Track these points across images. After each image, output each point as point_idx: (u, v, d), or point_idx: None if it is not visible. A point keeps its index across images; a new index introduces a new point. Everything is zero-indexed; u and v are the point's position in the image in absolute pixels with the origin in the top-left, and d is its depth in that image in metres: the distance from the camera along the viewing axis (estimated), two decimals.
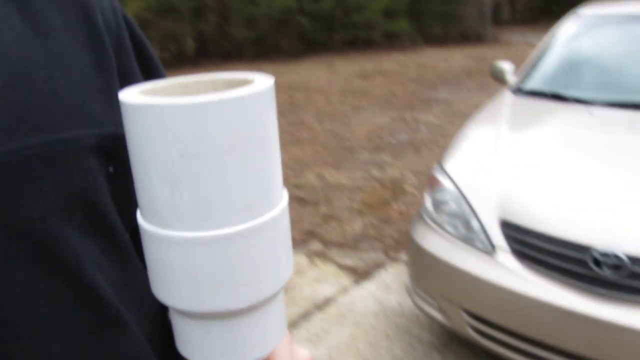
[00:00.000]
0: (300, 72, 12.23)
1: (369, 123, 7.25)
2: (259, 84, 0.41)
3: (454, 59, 12.40)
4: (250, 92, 0.38)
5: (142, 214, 0.42)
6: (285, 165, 5.67)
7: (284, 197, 0.45)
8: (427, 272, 2.50)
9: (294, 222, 4.22)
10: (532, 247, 2.14)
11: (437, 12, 15.30)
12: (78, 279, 0.47)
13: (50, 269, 0.45)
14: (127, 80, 0.59)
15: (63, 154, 0.46)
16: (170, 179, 0.37)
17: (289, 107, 8.70)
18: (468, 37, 14.97)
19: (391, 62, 12.41)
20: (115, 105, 0.53)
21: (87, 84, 0.53)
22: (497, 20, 18.80)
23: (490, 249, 2.24)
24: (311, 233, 4.01)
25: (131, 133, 0.39)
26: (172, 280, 0.42)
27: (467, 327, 2.33)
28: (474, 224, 2.33)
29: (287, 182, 5.14)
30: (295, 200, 4.68)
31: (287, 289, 3.21)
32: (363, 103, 8.57)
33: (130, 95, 0.39)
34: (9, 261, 0.43)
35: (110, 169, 0.53)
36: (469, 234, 2.34)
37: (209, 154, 0.36)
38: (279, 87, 10.51)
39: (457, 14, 15.23)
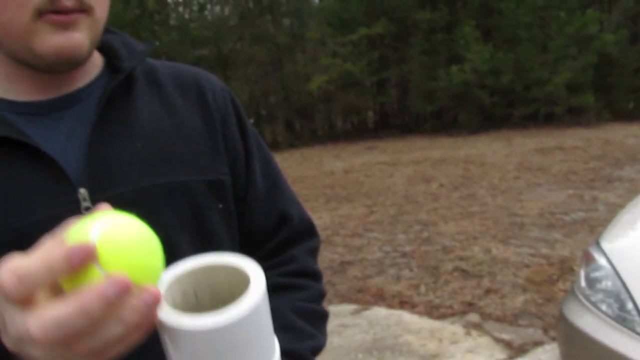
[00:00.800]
0: (477, 146, 12.24)
1: (543, 200, 7.08)
2: (251, 293, 0.51)
3: None
4: (240, 314, 0.49)
5: None
6: (452, 237, 5.74)
7: None
8: (578, 351, 2.47)
9: (454, 293, 4.28)
10: None
11: (627, 85, 14.51)
12: None
13: None
14: (229, 140, 0.88)
15: (176, 191, 0.74)
16: None
17: (462, 181, 8.75)
18: None
19: (573, 138, 11.97)
20: (219, 159, 0.84)
21: (199, 145, 0.83)
22: None
23: None
24: (470, 305, 4.04)
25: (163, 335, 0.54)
26: None
27: None
28: (629, 304, 2.29)
29: (452, 254, 5.21)
30: (459, 272, 4.73)
31: (440, 356, 3.29)
32: (539, 179, 8.38)
33: (164, 312, 0.51)
34: None
35: (220, 206, 0.83)
36: (623, 314, 2.29)
37: (211, 354, 0.50)
38: (454, 161, 10.62)
39: None
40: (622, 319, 2.29)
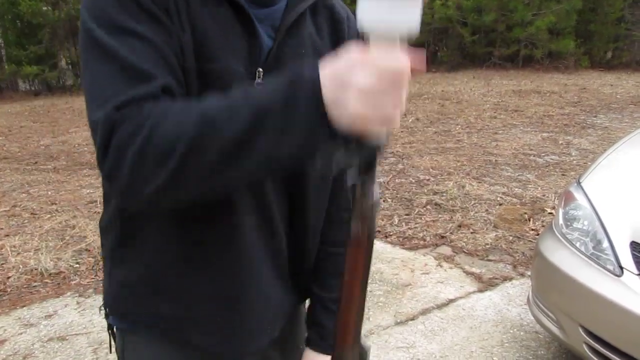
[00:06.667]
0: (455, 83, 12.20)
1: (518, 141, 7.14)
2: None
3: (621, 85, 11.74)
4: None
5: None
6: (427, 171, 5.78)
7: None
8: (550, 285, 2.53)
9: (427, 226, 4.33)
10: None
11: (608, 34, 14.48)
12: None
13: None
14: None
15: None
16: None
17: (438, 117, 8.76)
18: None
19: (550, 83, 12.00)
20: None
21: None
22: None
23: (618, 270, 2.23)
24: (442, 237, 4.10)
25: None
26: None
27: (582, 345, 2.33)
28: (604, 243, 2.33)
29: (426, 187, 5.25)
30: (432, 206, 4.77)
31: (410, 284, 3.34)
32: (515, 120, 8.43)
33: None
34: None
35: None
36: (598, 252, 2.34)
37: None
38: (431, 96, 10.59)
39: (632, 37, 14.32)
40: (595, 257, 2.33)
